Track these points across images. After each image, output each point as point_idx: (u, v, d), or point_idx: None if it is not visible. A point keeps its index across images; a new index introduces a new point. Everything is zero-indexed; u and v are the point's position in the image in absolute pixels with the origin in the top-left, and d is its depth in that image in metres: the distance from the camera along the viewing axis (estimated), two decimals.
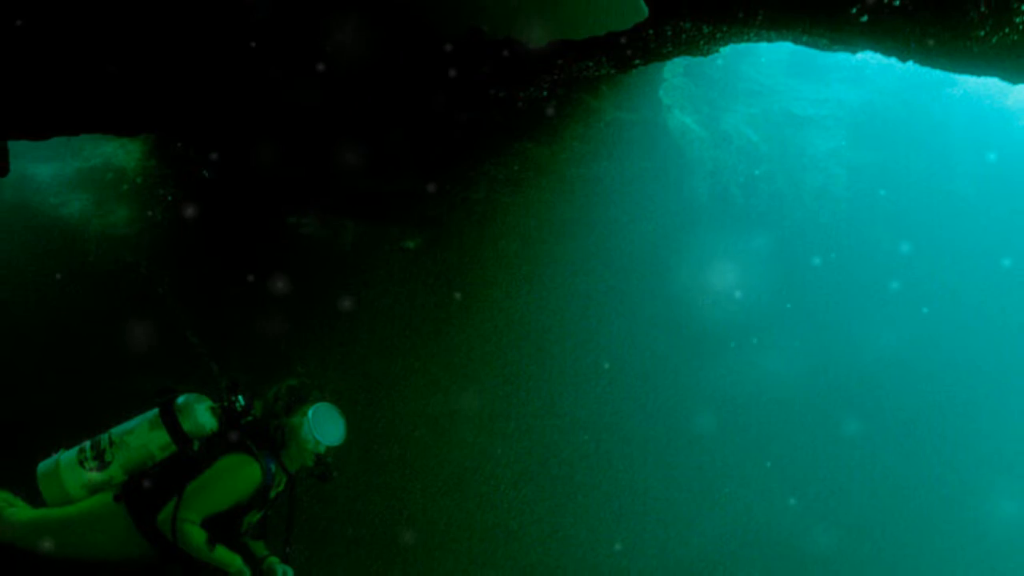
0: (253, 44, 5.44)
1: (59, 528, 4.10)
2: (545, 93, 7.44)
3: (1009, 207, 11.18)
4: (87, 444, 4.17)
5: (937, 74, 7.38)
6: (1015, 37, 5.51)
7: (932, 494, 10.05)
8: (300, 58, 5.82)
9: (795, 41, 6.67)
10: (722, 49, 6.95)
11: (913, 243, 10.76)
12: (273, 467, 4.15)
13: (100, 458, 4.09)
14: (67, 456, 4.16)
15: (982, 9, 5.23)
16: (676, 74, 10.63)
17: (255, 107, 6.38)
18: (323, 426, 4.20)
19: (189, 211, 8.02)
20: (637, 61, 6.93)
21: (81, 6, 4.73)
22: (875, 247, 10.61)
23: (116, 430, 4.17)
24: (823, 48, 6.64)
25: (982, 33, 5.51)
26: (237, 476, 4.02)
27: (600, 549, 8.61)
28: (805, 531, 9.35)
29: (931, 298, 10.64)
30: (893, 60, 6.37)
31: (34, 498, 4.23)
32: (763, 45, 7.54)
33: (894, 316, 10.41)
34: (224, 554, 3.94)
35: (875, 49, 6.24)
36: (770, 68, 11.78)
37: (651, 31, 6.04)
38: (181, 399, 4.17)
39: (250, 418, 4.23)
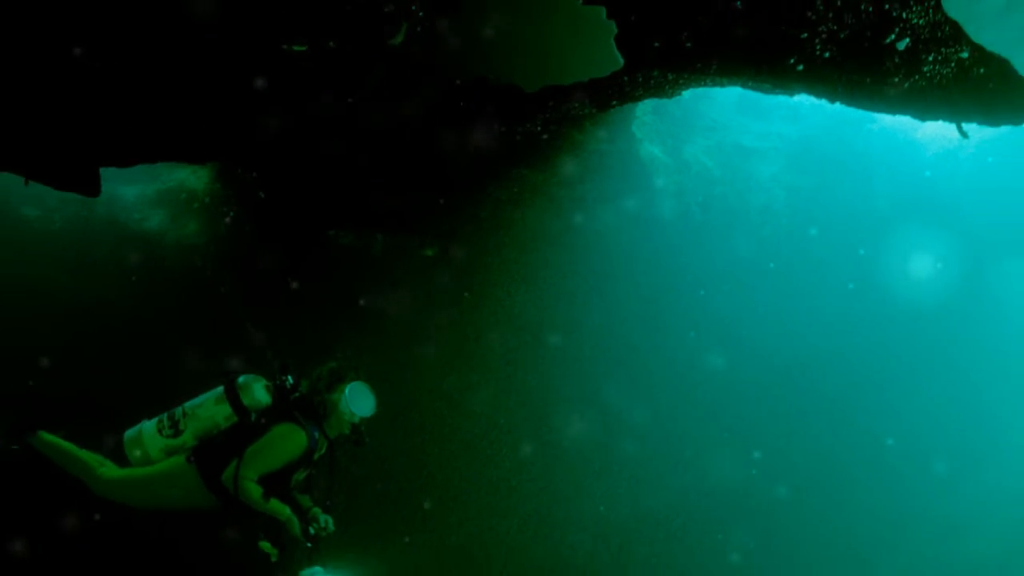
0: (300, 86, 5.44)
1: (141, 484, 4.11)
2: (539, 128, 7.43)
3: (918, 220, 11.18)
4: (164, 416, 4.18)
5: (860, 112, 7.36)
6: (923, 83, 5.52)
7: (859, 453, 10.05)
8: (339, 103, 5.82)
9: (743, 86, 6.68)
10: (683, 92, 6.95)
11: (840, 251, 10.77)
12: (317, 434, 4.16)
13: (175, 427, 4.10)
14: (148, 425, 4.17)
15: (896, 60, 5.24)
16: (646, 112, 10.61)
17: (303, 138, 6.37)
18: (358, 400, 4.21)
19: (247, 226, 8.01)
20: (614, 102, 6.93)
21: (161, 53, 4.73)
22: (809, 255, 10.61)
23: (188, 404, 4.18)
24: (766, 91, 6.65)
25: (896, 79, 5.52)
26: (287, 441, 4.03)
27: (583, 501, 8.61)
28: (754, 487, 9.35)
29: (855, 295, 10.64)
30: (823, 101, 6.38)
31: (121, 460, 4.24)
32: (717, 89, 7.53)
33: (825, 310, 10.42)
34: (277, 505, 3.95)
35: (809, 92, 6.25)
36: (723, 107, 11.75)
37: (625, 78, 6.04)
38: (241, 379, 4.18)
39: (298, 394, 4.24)
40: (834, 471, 9.88)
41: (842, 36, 5.11)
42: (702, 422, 9.42)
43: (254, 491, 3.87)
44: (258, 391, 4.15)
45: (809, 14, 4.91)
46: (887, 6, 4.81)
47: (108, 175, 5.77)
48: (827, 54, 5.28)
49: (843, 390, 10.22)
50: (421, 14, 4.79)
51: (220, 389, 4.15)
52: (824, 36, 5.13)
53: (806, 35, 5.12)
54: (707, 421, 9.43)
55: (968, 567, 9.85)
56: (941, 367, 10.68)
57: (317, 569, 4.04)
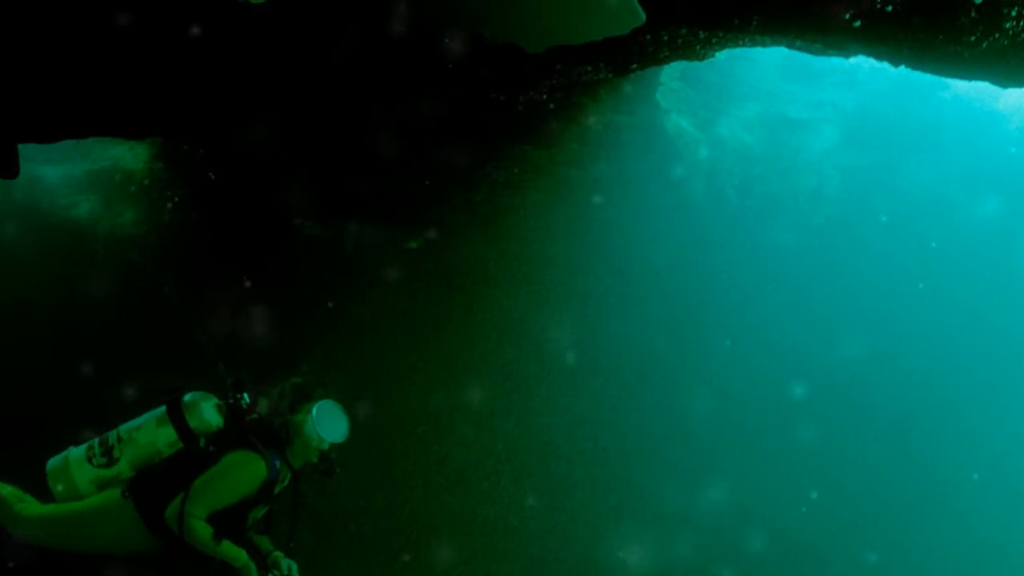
0: (259, 47, 5.45)
1: (69, 523, 4.11)
2: (544, 97, 7.44)
3: (998, 208, 11.18)
4: (95, 441, 4.18)
5: (928, 78, 7.37)
6: (1005, 42, 5.52)
7: (921, 489, 10.05)
8: (306, 61, 5.83)
9: (789, 46, 6.68)
10: (718, 54, 6.95)
11: (904, 243, 10.77)
12: (278, 463, 4.17)
13: (108, 454, 4.10)
14: (76, 452, 4.17)
15: (972, 15, 5.23)
16: (673, 78, 10.63)
17: (260, 109, 6.38)
18: (327, 423, 4.21)
19: (195, 212, 8.02)
20: (634, 66, 6.93)
21: (89, 10, 4.73)
22: (867, 247, 10.61)
23: (124, 427, 4.18)
24: (817, 52, 6.65)
25: (972, 38, 5.51)
26: (243, 472, 4.03)
27: (598, 544, 8.62)
28: (800, 525, 9.36)
29: (922, 297, 10.65)
30: (885, 64, 6.38)
31: (44, 494, 4.24)
32: (758, 50, 7.54)
33: (885, 314, 10.42)
34: (230, 548, 3.95)
35: (868, 53, 6.25)
36: (765, 72, 11.78)
37: (648, 36, 6.04)
38: (188, 397, 4.18)
39: (255, 415, 4.24)
40: (905, 514, 9.88)
41: None
42: (741, 449, 9.42)
43: (203, 531, 3.88)
44: (207, 411, 4.16)
45: None
46: None
47: (28, 153, 5.77)
48: (889, 7, 5.29)
49: (913, 412, 10.22)
50: None
51: (162, 409, 4.16)
52: None
53: None
54: (744, 447, 9.43)
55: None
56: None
57: None
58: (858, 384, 10.03)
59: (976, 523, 10.11)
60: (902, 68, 6.33)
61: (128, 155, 8.37)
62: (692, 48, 6.53)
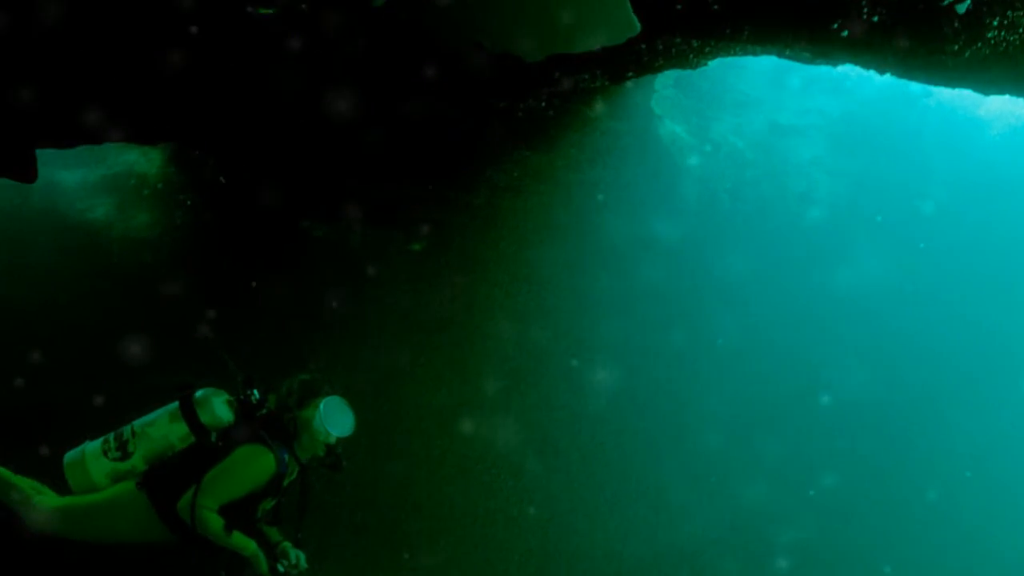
0: (267, 56, 5.45)
1: (84, 514, 4.13)
2: (543, 104, 7.44)
3: (981, 211, 11.19)
4: (111, 435, 4.19)
5: (913, 86, 7.39)
6: (987, 51, 5.53)
7: (911, 488, 10.04)
8: (314, 70, 5.83)
9: (779, 55, 6.68)
10: (710, 62, 6.95)
11: (890, 245, 10.78)
12: (286, 457, 4.18)
13: (123, 448, 4.12)
14: (92, 446, 4.18)
15: (956, 25, 5.24)
16: (667, 86, 10.63)
17: (270, 116, 6.39)
18: (333, 418, 4.22)
19: (206, 215, 8.02)
20: (630, 74, 6.93)
21: (105, 17, 4.74)
22: (855, 249, 10.61)
23: (138, 422, 4.20)
24: (805, 61, 6.65)
25: (956, 47, 5.52)
26: (252, 465, 4.05)
27: (595, 534, 8.61)
28: (789, 519, 9.35)
29: (908, 298, 10.65)
30: (872, 72, 6.39)
31: (61, 486, 4.25)
32: (749, 58, 7.54)
33: (872, 315, 10.42)
34: (240, 539, 3.97)
35: (855, 62, 6.26)
36: (755, 80, 11.78)
37: (643, 45, 6.04)
38: (199, 393, 4.20)
39: (264, 411, 4.26)
40: (892, 507, 9.88)
41: None
42: (732, 444, 9.42)
43: (214, 523, 3.89)
44: (219, 407, 4.17)
45: None
46: None
47: (46, 158, 5.78)
48: (876, 17, 5.29)
49: (900, 411, 10.22)
50: None
51: (175, 405, 4.17)
52: None
53: None
54: (735, 442, 9.43)
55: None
56: (1010, 384, 10.68)
57: None
58: (844, 382, 10.02)
59: (967, 519, 10.08)
60: (888, 76, 6.35)
61: (142, 160, 8.37)
62: (685, 57, 6.54)
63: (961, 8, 5.13)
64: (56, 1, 4.48)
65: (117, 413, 4.28)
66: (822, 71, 10.94)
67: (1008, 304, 10.97)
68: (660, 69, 6.90)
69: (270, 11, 4.90)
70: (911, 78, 6.36)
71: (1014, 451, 10.50)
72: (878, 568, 9.53)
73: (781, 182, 10.88)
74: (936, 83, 6.50)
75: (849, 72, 10.56)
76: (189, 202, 8.08)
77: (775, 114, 11.47)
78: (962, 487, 10.13)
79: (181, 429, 4.10)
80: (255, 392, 4.23)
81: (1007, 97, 6.72)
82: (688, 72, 7.64)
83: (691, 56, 6.54)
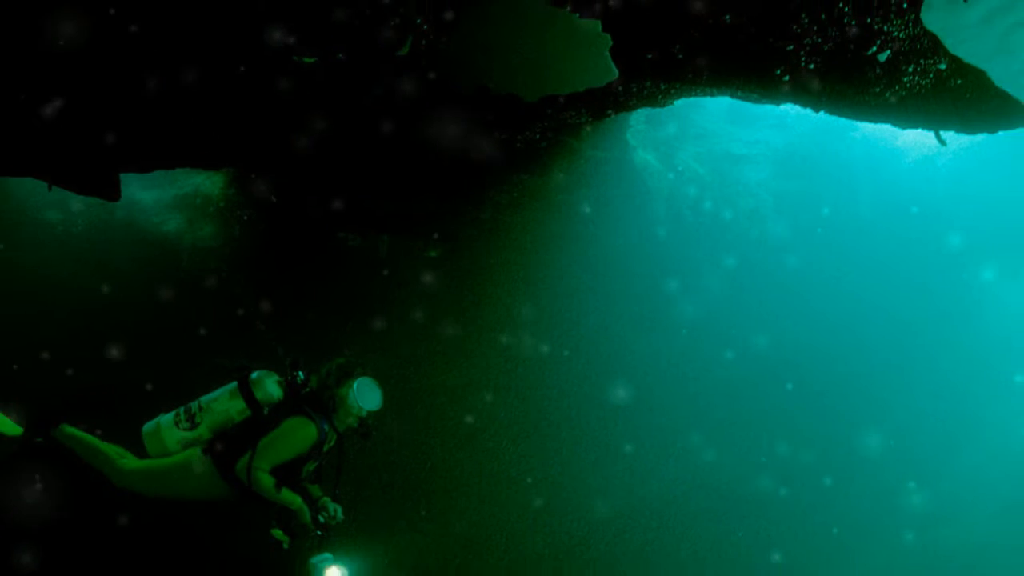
0: (310, 96, 5.44)
1: (160, 475, 4.13)
2: (538, 136, 7.44)
3: (897, 224, 11.20)
4: (181, 409, 4.19)
5: (843, 121, 7.40)
6: (903, 93, 5.53)
7: (844, 446, 10.04)
8: (348, 108, 5.83)
9: (732, 95, 6.69)
10: (675, 101, 6.95)
11: (824, 253, 10.79)
12: (326, 427, 4.18)
13: (191, 420, 4.12)
14: (166, 418, 4.18)
15: (877, 71, 5.25)
16: (640, 121, 10.63)
17: (312, 146, 6.38)
18: (365, 395, 4.22)
19: (260, 227, 8.02)
20: (609, 111, 6.94)
21: (182, 66, 4.74)
22: (794, 255, 10.63)
23: (204, 398, 4.20)
24: (754, 101, 6.66)
25: (877, 89, 5.53)
26: (298, 434, 4.05)
27: (580, 491, 8.61)
28: (743, 478, 9.35)
29: (837, 295, 10.66)
30: (808, 110, 6.39)
31: (140, 452, 4.25)
32: (707, 98, 7.54)
33: (809, 309, 10.43)
34: (288, 495, 3.97)
35: (795, 101, 6.26)
36: (713, 116, 11.79)
37: (620, 87, 6.05)
38: (254, 374, 4.20)
39: (308, 389, 4.26)
40: (820, 464, 9.88)
41: (826, 48, 5.13)
42: (693, 416, 9.42)
43: (267, 481, 3.89)
44: (270, 386, 4.17)
45: (795, 27, 4.93)
46: (869, 20, 4.82)
47: (128, 180, 5.78)
48: (812, 65, 5.30)
49: (828, 386, 10.22)
50: (425, 27, 4.80)
51: (234, 384, 4.17)
52: (809, 48, 5.14)
53: (792, 47, 5.14)
54: (698, 415, 9.43)
55: (946, 556, 9.87)
56: (921, 368, 10.69)
57: (327, 555, 4.06)
58: (785, 363, 10.03)
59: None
60: (822, 113, 6.35)
61: (207, 182, 8.37)
62: (655, 97, 6.54)
63: (882, 57, 5.13)
64: (140, 49, 4.48)
65: (187, 391, 4.27)
66: (768, 109, 10.98)
67: (919, 297, 11.00)
68: (634, 107, 6.90)
69: (312, 60, 4.89)
70: (841, 115, 6.37)
71: (928, 420, 10.51)
72: (828, 529, 9.52)
73: (734, 201, 10.88)
74: (861, 119, 6.50)
75: (790, 109, 10.59)
76: (246, 217, 8.08)
77: (729, 144, 11.47)
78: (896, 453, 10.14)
79: (239, 404, 4.10)
80: (300, 373, 4.23)
81: (920, 131, 6.72)
82: (657, 109, 7.65)
83: (659, 96, 6.55)
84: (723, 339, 9.78)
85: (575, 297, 9.14)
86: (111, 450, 4.22)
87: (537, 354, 8.82)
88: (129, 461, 4.19)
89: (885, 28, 4.90)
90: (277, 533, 3.91)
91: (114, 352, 6.76)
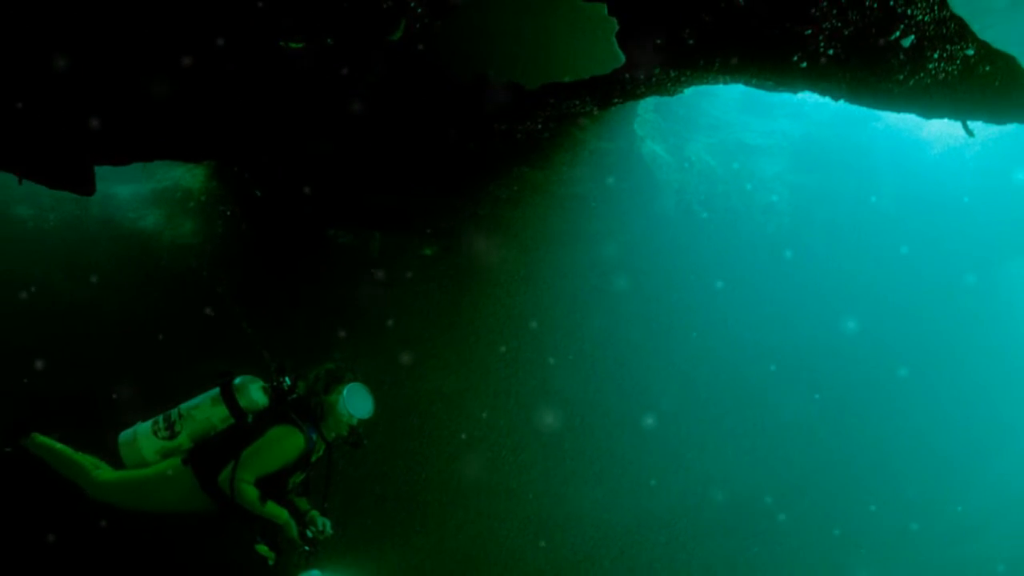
0: (297, 84, 5.44)
1: (137, 486, 4.12)
2: (539, 126, 7.44)
3: (922, 220, 11.20)
4: (160, 417, 4.18)
5: (864, 110, 7.36)
6: (928, 81, 5.52)
7: (863, 461, 10.05)
8: (338, 96, 5.82)
9: (746, 83, 6.66)
10: (686, 90, 6.94)
11: (843, 249, 10.78)
12: (314, 436, 4.17)
13: (171, 428, 4.11)
14: (143, 427, 4.17)
15: (901, 58, 5.24)
16: (647, 110, 10.61)
17: (299, 137, 6.38)
18: (355, 402, 4.21)
19: (244, 224, 8.02)
20: (615, 100, 6.92)
21: (152, 54, 4.73)
22: (812, 253, 10.62)
23: (184, 405, 4.19)
24: (769, 89, 6.65)
25: (901, 77, 5.52)
26: (284, 443, 4.04)
27: (584, 504, 8.61)
28: (753, 493, 9.35)
29: (859, 296, 10.65)
30: (827, 99, 6.37)
31: (116, 462, 4.24)
32: (720, 86, 7.53)
33: (828, 309, 10.42)
34: (273, 508, 3.96)
35: (812, 89, 6.25)
36: (726, 105, 11.76)
37: (627, 75, 6.04)
38: (238, 380, 4.19)
39: (295, 396, 4.24)
40: (840, 474, 9.88)
41: (846, 33, 5.12)
42: (705, 424, 9.42)
43: (251, 493, 3.88)
44: (255, 392, 4.16)
45: (813, 10, 4.92)
46: (892, 3, 4.82)
47: (103, 174, 5.77)
48: (831, 51, 5.29)
49: (848, 390, 10.22)
50: (420, 10, 4.79)
51: (216, 390, 4.16)
52: (828, 33, 5.13)
53: (810, 32, 5.13)
54: (711, 423, 9.43)
55: (976, 569, 9.87)
56: (947, 367, 10.69)
57: (315, 572, 4.05)
58: (803, 366, 10.03)
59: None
60: (841, 102, 6.33)
61: (187, 176, 8.37)
62: (664, 85, 6.53)
63: (906, 42, 5.13)
64: (114, 36, 4.48)
65: (166, 398, 4.27)
66: (784, 97, 10.94)
67: (943, 296, 11.00)
68: (642, 96, 6.89)
69: (299, 45, 4.89)
70: (862, 104, 6.35)
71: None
72: (856, 549, 9.54)
73: (748, 195, 10.87)
74: (884, 108, 6.48)
75: (807, 98, 10.57)
76: (229, 212, 8.07)
77: (742, 135, 11.45)
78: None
79: (222, 412, 4.09)
80: (287, 379, 4.22)
81: (946, 121, 6.70)
82: (666, 98, 7.63)
83: (669, 84, 6.53)
84: (737, 343, 9.77)
85: (579, 298, 9.13)
86: (86, 460, 4.21)
87: (538, 359, 8.82)
88: (104, 472, 4.18)
89: (909, 11, 4.89)
90: (262, 549, 3.90)
91: (89, 356, 6.76)
